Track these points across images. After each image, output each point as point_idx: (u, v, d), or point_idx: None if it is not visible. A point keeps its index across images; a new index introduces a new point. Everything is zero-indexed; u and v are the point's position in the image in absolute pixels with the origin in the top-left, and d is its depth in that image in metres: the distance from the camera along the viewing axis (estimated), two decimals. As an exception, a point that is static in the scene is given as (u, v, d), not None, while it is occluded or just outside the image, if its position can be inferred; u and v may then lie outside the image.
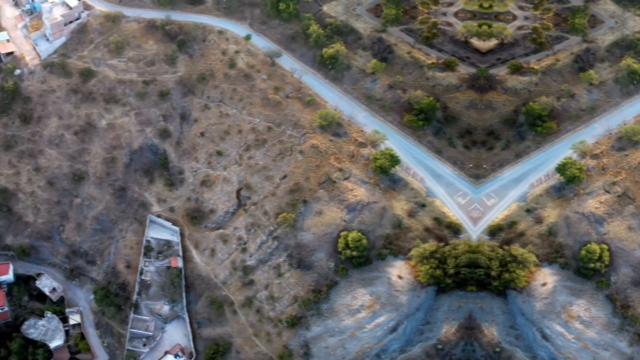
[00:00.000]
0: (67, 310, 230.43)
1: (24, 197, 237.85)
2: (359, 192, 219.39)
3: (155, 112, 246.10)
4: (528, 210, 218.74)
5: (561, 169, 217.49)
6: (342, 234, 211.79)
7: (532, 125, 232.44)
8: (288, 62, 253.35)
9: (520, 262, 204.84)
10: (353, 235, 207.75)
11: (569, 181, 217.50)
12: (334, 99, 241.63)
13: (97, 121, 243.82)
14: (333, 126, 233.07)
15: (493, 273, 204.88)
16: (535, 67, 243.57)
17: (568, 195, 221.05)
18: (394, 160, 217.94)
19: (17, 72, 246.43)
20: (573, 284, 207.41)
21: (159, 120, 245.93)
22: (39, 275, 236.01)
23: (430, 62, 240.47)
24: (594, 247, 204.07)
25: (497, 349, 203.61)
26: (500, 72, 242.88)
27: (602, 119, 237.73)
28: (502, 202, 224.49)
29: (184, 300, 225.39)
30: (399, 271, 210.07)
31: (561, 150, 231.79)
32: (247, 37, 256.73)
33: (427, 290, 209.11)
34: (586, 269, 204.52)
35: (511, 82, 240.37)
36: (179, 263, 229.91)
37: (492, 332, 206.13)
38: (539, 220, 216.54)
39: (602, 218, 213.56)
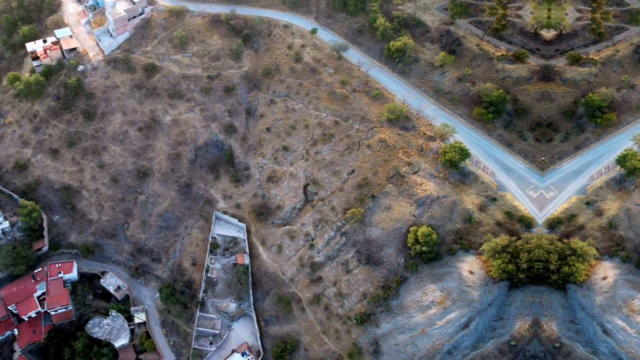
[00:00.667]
0: (132, 308, 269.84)
1: (88, 195, 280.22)
2: (428, 186, 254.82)
3: (221, 108, 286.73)
4: (588, 203, 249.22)
5: (621, 160, 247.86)
6: (412, 228, 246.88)
7: (592, 117, 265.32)
8: (354, 55, 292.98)
9: (579, 255, 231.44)
10: (423, 230, 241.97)
11: (630, 173, 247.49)
12: (402, 92, 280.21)
13: (162, 117, 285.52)
14: (401, 120, 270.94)
15: (552, 267, 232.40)
16: (595, 57, 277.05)
17: (629, 187, 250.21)
18: (464, 154, 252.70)
19: (80, 68, 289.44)
20: (634, 278, 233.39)
21: (225, 116, 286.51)
22: (103, 273, 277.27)
23: (499, 54, 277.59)
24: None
25: (557, 344, 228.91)
26: (559, 63, 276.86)
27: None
28: (562, 195, 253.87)
29: (251, 297, 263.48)
30: (470, 266, 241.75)
31: (622, 141, 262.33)
32: (313, 31, 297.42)
33: (499, 286, 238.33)
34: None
35: (570, 73, 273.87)
36: (246, 260, 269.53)
37: (551, 327, 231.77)
38: (599, 213, 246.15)
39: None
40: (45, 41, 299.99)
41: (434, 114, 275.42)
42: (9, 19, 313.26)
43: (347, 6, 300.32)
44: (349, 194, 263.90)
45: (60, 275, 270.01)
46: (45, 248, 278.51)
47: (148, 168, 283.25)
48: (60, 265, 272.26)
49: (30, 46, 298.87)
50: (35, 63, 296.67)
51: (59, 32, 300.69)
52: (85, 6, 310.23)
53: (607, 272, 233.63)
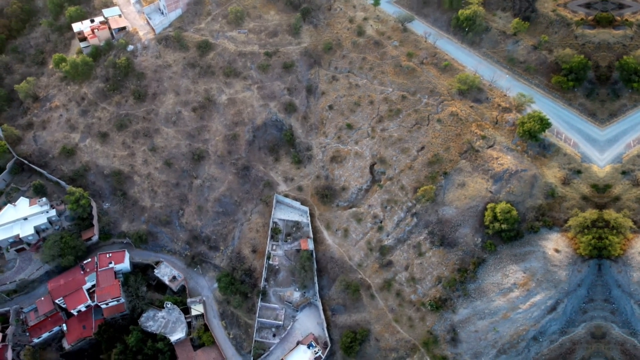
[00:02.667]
0: (188, 300, 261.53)
1: (140, 180, 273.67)
2: (505, 160, 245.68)
3: (279, 86, 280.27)
4: (624, 172, 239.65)
5: None
6: (489, 205, 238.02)
7: (628, 82, 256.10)
8: (420, 27, 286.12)
9: (614, 227, 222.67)
10: (502, 206, 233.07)
11: None
12: (472, 63, 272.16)
13: (217, 96, 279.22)
14: (473, 91, 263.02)
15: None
16: (630, 19, 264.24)
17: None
18: (545, 123, 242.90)
19: (130, 48, 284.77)
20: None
21: (284, 94, 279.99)
22: (157, 263, 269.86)
23: (578, 18, 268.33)
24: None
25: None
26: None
27: None
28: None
29: (316, 285, 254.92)
30: (555, 244, 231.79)
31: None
32: (376, 3, 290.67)
33: (589, 264, 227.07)
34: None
35: (602, 35, 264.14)
36: (310, 245, 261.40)
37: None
38: (636, 183, 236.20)
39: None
40: (92, 21, 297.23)
41: (508, 84, 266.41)
42: (55, 0, 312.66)
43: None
44: (419, 171, 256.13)
45: (111, 265, 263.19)
46: (95, 237, 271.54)
47: (203, 150, 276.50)
48: (111, 255, 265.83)
49: (76, 27, 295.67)
50: (82, 44, 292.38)
51: (107, 12, 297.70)
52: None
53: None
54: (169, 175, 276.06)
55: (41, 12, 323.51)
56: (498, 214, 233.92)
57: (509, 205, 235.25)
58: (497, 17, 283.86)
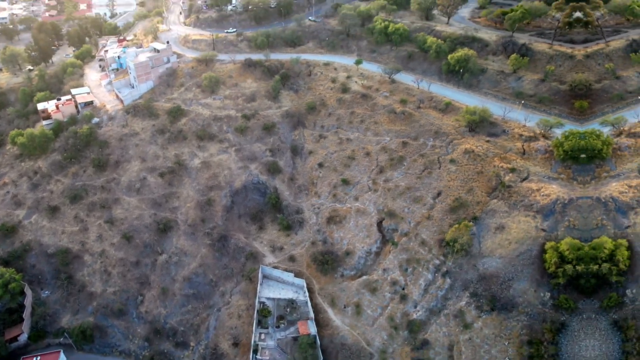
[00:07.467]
0: None
1: (91, 260, 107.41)
2: (550, 190, 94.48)
3: (260, 147, 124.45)
4: None
5: (558, 145, 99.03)
6: (549, 245, 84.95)
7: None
8: (409, 79, 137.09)
9: None
10: (568, 241, 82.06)
11: (590, 157, 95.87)
12: (475, 103, 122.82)
13: (189, 161, 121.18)
14: (485, 126, 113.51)
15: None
16: (577, 52, 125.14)
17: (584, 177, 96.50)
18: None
19: (95, 120, 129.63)
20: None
21: (266, 155, 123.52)
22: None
23: (581, 52, 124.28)
24: (605, 241, 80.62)
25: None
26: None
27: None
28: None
29: None
30: None
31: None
32: (358, 62, 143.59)
33: None
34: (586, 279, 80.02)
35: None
36: (311, 329, 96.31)
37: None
38: None
39: (630, 206, 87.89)
40: (59, 99, 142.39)
41: (524, 117, 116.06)
42: (26, 91, 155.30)
43: (391, 36, 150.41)
44: (440, 221, 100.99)
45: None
46: (24, 337, 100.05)
47: (171, 220, 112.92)
48: (39, 358, 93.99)
49: (41, 105, 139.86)
50: (45, 122, 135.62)
51: (75, 90, 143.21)
52: (109, 70, 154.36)
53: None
54: (127, 252, 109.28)
55: (12, 105, 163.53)
56: (566, 253, 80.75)
57: (577, 240, 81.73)
58: (490, 61, 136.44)
